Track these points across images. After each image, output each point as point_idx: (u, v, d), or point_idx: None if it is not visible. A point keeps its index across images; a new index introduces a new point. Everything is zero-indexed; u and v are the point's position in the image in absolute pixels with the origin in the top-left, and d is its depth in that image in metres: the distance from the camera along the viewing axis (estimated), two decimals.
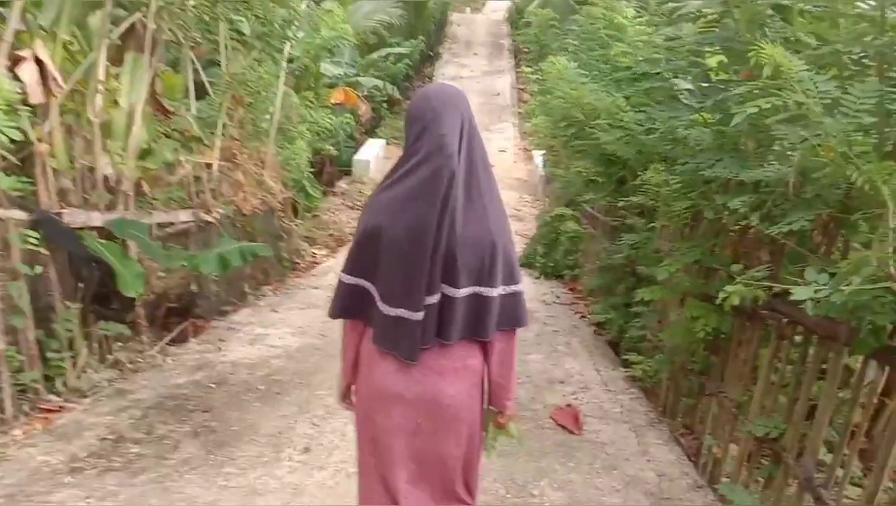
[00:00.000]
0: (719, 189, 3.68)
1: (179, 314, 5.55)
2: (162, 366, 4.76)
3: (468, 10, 28.83)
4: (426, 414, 2.05)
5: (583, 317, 6.93)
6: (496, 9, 28.18)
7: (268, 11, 7.11)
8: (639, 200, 4.27)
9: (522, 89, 20.68)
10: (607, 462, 3.66)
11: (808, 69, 2.46)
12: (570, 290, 8.31)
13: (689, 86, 5.84)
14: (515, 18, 25.52)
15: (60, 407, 3.94)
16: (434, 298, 1.96)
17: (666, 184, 3.90)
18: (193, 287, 5.63)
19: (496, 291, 2.02)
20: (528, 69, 13.45)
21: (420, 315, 1.94)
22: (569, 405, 4.40)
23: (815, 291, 2.24)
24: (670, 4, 6.22)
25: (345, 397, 2.28)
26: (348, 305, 2.08)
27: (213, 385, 4.45)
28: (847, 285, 2.21)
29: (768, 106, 2.39)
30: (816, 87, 2.42)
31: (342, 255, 9.80)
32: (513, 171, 15.74)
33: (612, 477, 3.50)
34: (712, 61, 4.24)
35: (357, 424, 2.19)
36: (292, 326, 5.95)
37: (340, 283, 2.07)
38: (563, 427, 4.04)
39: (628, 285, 5.75)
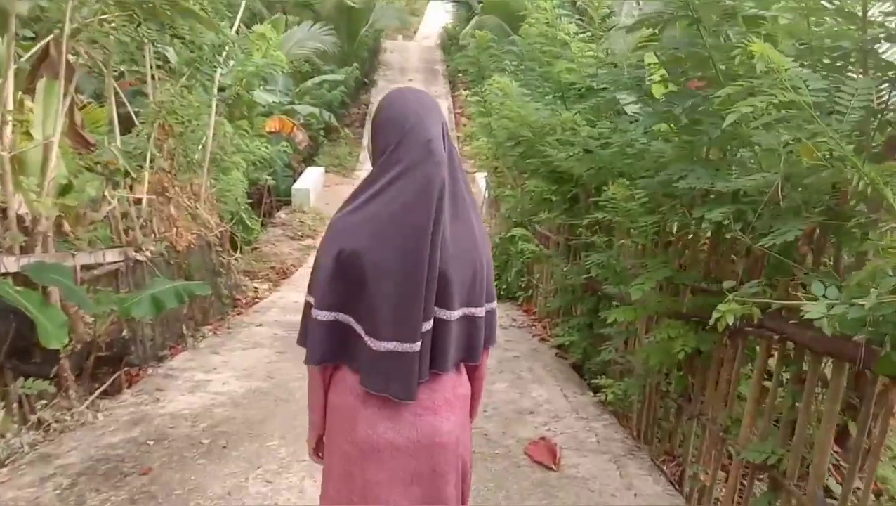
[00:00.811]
0: (690, 202, 3.50)
1: (111, 363, 5.07)
2: (93, 423, 4.28)
3: (400, 37, 28.84)
4: (424, 458, 1.82)
5: (542, 340, 6.70)
6: (427, 35, 28.29)
7: (195, 36, 6.75)
8: (598, 217, 4.06)
9: (460, 113, 20.66)
10: (592, 500, 3.39)
11: (798, 66, 2.29)
12: (525, 312, 8.10)
13: (633, 100, 5.75)
14: (447, 44, 25.70)
15: None
16: (429, 325, 1.74)
17: (632, 199, 3.71)
18: (126, 333, 5.15)
19: (483, 310, 1.87)
20: (467, 92, 13.36)
21: (417, 345, 1.72)
22: (543, 438, 4.12)
23: (829, 308, 2.03)
24: (613, 18, 6.18)
25: (317, 450, 2.03)
26: (329, 347, 1.79)
27: (151, 442, 4.01)
28: (859, 299, 2.02)
29: (761, 105, 2.19)
30: (808, 86, 2.24)
31: (285, 288, 9.39)
32: None
33: None
34: (656, 76, 4.10)
35: (332, 485, 1.90)
36: (236, 369, 5.52)
37: (314, 322, 1.77)
38: (540, 463, 3.76)
39: (589, 306, 5.55)
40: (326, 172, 16.15)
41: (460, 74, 23.08)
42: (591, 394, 5.08)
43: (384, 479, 1.81)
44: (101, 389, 4.79)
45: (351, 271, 1.72)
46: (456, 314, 1.80)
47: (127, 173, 5.40)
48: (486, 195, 13.23)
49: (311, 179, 14.65)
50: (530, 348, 6.39)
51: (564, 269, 5.64)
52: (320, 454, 2.02)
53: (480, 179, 14.49)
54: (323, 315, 1.76)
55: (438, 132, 1.76)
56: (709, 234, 3.73)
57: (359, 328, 1.76)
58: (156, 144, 6.18)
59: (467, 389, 1.94)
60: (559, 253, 6.39)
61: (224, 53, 7.39)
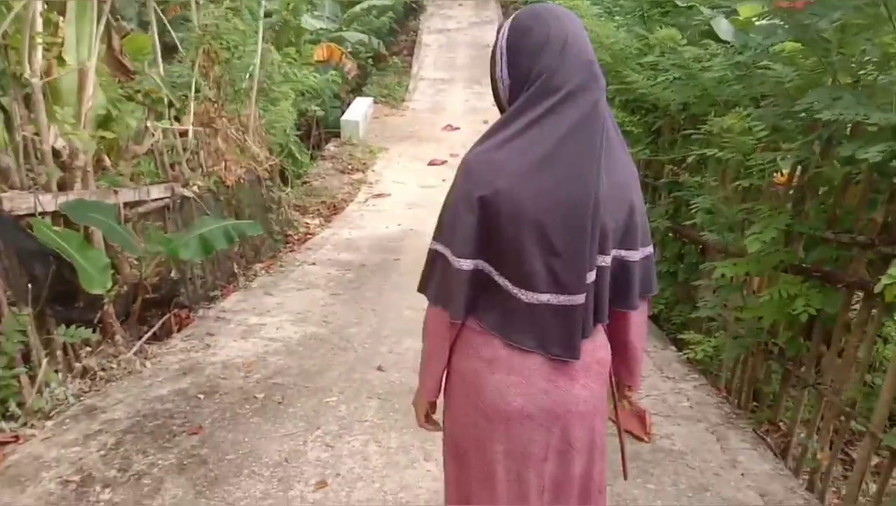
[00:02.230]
0: (832, 136, 2.94)
1: (159, 306, 4.80)
2: (141, 372, 4.02)
3: None
4: (559, 431, 1.63)
5: None
6: None
7: None
8: (703, 152, 3.49)
9: None
10: (694, 480, 2.98)
11: None
12: None
13: (725, 22, 5.07)
14: None
15: (15, 437, 3.22)
16: (593, 275, 1.57)
17: (747, 132, 3.16)
18: (174, 274, 4.86)
19: (638, 255, 1.66)
20: None
21: (582, 298, 1.55)
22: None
23: None
24: None
25: (427, 419, 1.85)
26: (473, 297, 1.60)
27: (201, 396, 3.73)
28: None
29: None
30: None
31: (337, 224, 9.04)
32: None
33: (705, 502, 2.83)
34: None
35: (456, 457, 1.74)
36: (290, 312, 5.22)
37: (453, 272, 1.57)
38: (630, 433, 3.35)
39: (674, 252, 5.04)
40: (375, 102, 15.58)
41: None
42: (675, 349, 4.63)
43: (516, 454, 1.63)
44: (150, 333, 4.53)
45: (497, 214, 1.51)
46: (608, 259, 1.60)
47: (171, 103, 5.00)
48: None
49: (359, 111, 14.13)
50: None
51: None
52: (432, 422, 1.84)
53: None
54: (464, 263, 1.56)
55: (593, 54, 1.55)
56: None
57: (501, 279, 1.57)
58: (201, 72, 5.76)
59: (608, 352, 1.71)
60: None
61: None
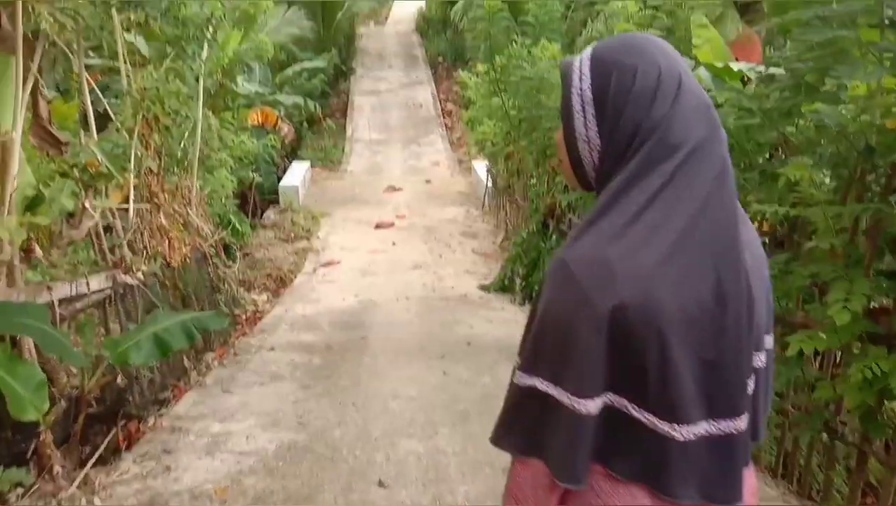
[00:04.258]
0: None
1: (103, 420, 4.01)
2: None
3: (371, 23, 27.61)
4: None
5: None
6: (399, 20, 27.09)
7: (175, 9, 5.65)
8: (776, 210, 3.02)
9: (444, 99, 19.69)
10: None
11: None
12: None
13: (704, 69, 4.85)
14: (424, 28, 24.63)
15: None
16: (752, 383, 1.20)
17: (818, 186, 2.75)
18: (120, 380, 4.09)
19: (771, 341, 1.29)
20: (466, 74, 12.36)
21: (746, 419, 1.16)
22: None
23: None
24: None
25: None
26: (598, 447, 1.14)
27: None
28: None
29: None
30: None
31: (288, 299, 8.30)
32: (452, 184, 14.59)
33: None
34: None
35: None
36: (258, 413, 4.48)
37: (572, 416, 1.11)
38: None
39: None
40: (312, 166, 15.03)
41: (440, 59, 22.20)
42: None
43: None
44: (95, 456, 3.73)
45: (630, 330, 1.08)
46: (763, 357, 1.25)
47: (111, 177, 4.30)
48: (489, 186, 12.28)
49: (297, 175, 13.54)
50: None
51: None
52: None
53: (479, 167, 13.54)
54: (592, 405, 1.11)
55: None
56: None
57: (641, 413, 1.12)
58: (140, 141, 5.08)
59: (754, 479, 1.31)
60: None
61: (211, 29, 6.26)
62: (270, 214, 12.24)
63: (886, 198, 2.69)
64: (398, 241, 10.80)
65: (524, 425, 1.18)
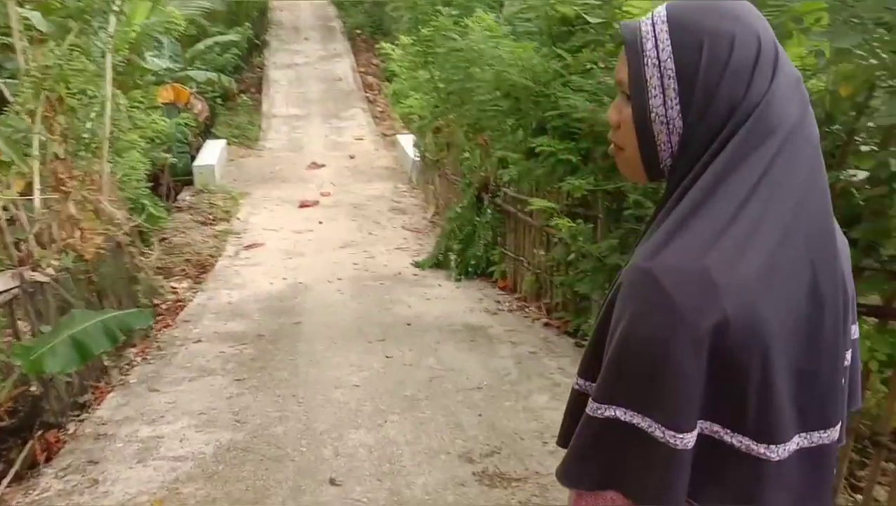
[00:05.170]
0: None
1: (18, 433, 3.65)
2: None
3: None
4: None
5: (547, 325, 5.71)
6: None
7: None
8: None
9: (364, 72, 19.22)
10: None
11: None
12: (503, 289, 7.07)
13: None
14: None
15: None
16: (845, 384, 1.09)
17: None
18: (35, 388, 3.73)
19: (856, 330, 1.16)
20: (389, 45, 12.04)
21: (838, 429, 1.04)
22: None
23: None
24: None
25: None
26: (688, 481, 0.99)
27: None
28: None
29: None
30: None
31: (210, 286, 7.91)
32: (377, 159, 14.28)
33: None
34: None
35: None
36: (190, 413, 4.20)
37: (666, 452, 0.96)
38: None
39: None
40: (228, 144, 14.42)
41: (359, 31, 21.64)
42: None
43: None
44: (10, 474, 3.38)
45: (730, 349, 0.93)
46: (849, 356, 1.11)
47: (9, 165, 3.88)
48: (417, 160, 12.05)
49: (213, 154, 12.94)
50: (541, 340, 5.37)
51: (592, 245, 4.59)
52: None
53: (404, 141, 13.28)
54: (690, 438, 0.96)
55: None
56: None
57: (737, 438, 0.99)
58: (44, 124, 4.63)
59: None
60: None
61: (119, 1, 5.76)
62: (186, 196, 11.67)
63: (842, 168, 2.66)
64: (324, 219, 10.49)
65: (603, 458, 1.04)
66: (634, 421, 0.98)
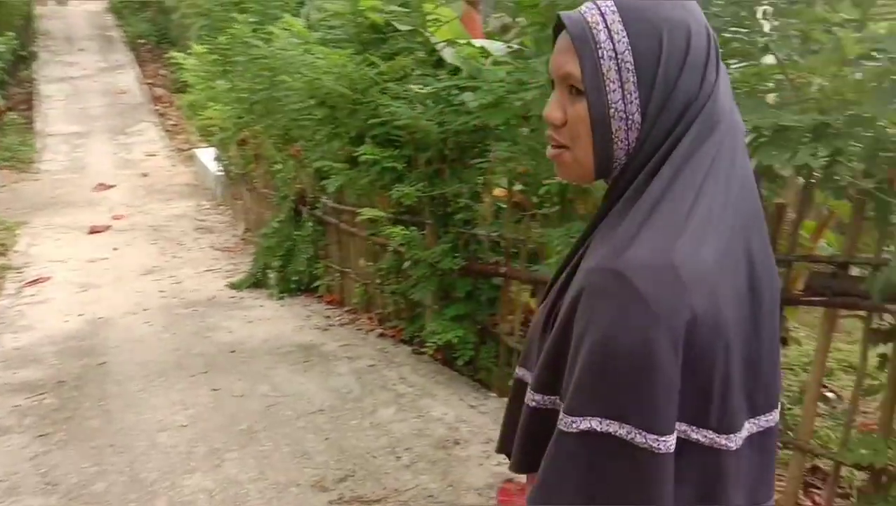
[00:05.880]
0: None
1: None
2: None
3: (51, 1, 24.24)
4: None
5: (382, 335, 5.58)
6: None
7: None
8: None
9: (152, 84, 17.97)
10: None
11: None
12: (331, 303, 6.84)
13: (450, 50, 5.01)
14: (119, 7, 22.31)
15: None
16: None
17: None
18: None
19: None
20: (181, 55, 11.27)
21: (778, 411, 1.07)
22: (509, 480, 3.09)
23: None
24: None
25: None
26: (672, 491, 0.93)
27: None
28: None
29: None
30: None
31: None
32: (174, 176, 13.36)
33: None
34: None
35: None
36: None
37: (652, 460, 0.89)
38: None
39: (467, 292, 4.58)
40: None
41: (142, 41, 20.17)
42: (497, 396, 4.18)
43: None
44: None
45: (698, 345, 0.90)
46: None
47: None
48: (221, 175, 11.39)
49: None
50: (378, 351, 5.22)
51: (425, 252, 4.53)
52: None
53: (204, 155, 12.51)
54: (671, 442, 0.90)
55: None
56: None
57: (701, 433, 0.95)
58: None
59: None
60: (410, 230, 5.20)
61: None
62: None
63: None
64: (120, 244, 9.58)
65: (580, 476, 0.94)
66: (611, 429, 0.91)
